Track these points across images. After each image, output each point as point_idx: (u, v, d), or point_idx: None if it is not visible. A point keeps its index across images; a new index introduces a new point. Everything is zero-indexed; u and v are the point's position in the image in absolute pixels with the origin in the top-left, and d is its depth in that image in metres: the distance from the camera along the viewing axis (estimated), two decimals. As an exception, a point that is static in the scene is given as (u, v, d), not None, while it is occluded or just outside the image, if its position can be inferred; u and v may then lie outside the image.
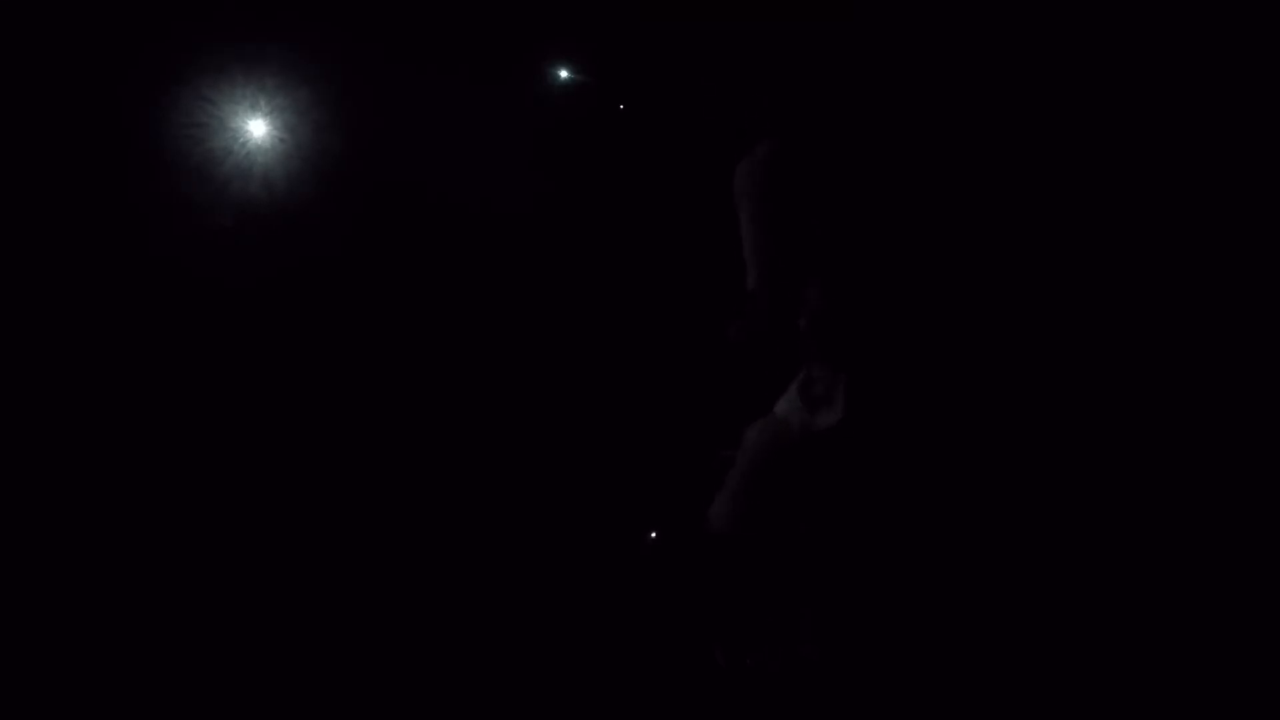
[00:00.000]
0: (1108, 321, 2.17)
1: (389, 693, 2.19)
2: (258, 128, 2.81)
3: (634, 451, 2.75)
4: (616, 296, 3.17)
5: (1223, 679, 1.81)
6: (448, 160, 3.10)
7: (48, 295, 2.61)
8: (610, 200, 3.26)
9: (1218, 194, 2.10)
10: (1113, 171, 2.21)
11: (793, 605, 1.53)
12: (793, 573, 1.53)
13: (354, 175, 2.95)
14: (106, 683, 2.13)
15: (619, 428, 2.89)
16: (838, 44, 2.54)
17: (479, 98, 3.14)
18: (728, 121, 2.93)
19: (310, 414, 2.88)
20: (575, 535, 2.61)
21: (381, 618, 2.39)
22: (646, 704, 2.02)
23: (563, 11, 3.20)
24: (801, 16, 2.65)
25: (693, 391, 2.74)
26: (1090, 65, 2.22)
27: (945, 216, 2.27)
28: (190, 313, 2.77)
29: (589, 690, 2.14)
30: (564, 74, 3.29)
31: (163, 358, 2.75)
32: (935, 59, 2.39)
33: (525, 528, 2.68)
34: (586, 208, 3.26)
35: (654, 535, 2.10)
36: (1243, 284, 2.07)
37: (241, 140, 2.79)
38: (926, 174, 2.31)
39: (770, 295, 1.62)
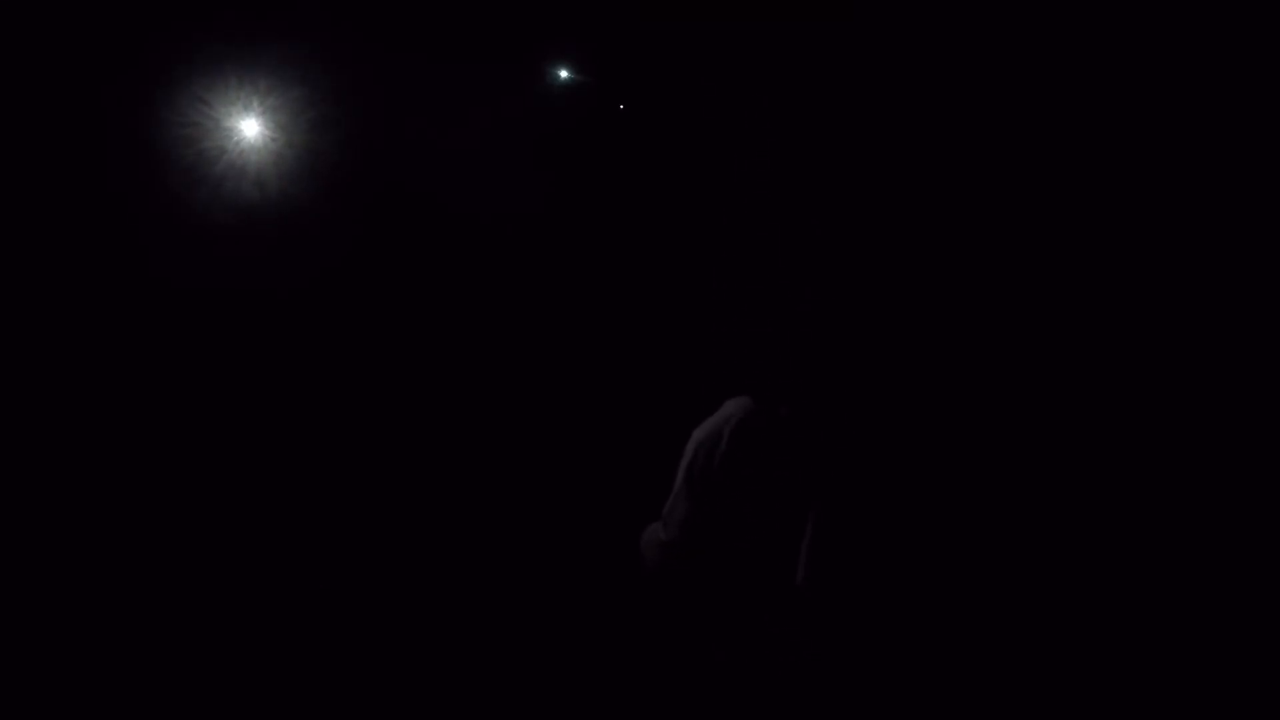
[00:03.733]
0: (1105, 322, 2.15)
1: (389, 693, 2.18)
2: (250, 127, 2.80)
3: (632, 450, 2.73)
4: (615, 295, 3.16)
5: (1222, 679, 1.80)
6: (443, 160, 3.10)
7: (40, 295, 2.61)
8: (610, 200, 3.26)
9: (1218, 194, 2.09)
10: (1112, 172, 2.20)
11: (784, 605, 1.52)
12: (767, 573, 1.51)
13: (347, 175, 2.95)
14: (106, 683, 2.13)
15: (617, 427, 2.88)
16: (838, 44, 2.53)
17: (476, 97, 3.13)
18: (728, 121, 2.93)
19: (307, 415, 2.87)
20: (584, 534, 2.60)
21: (381, 619, 2.38)
22: (646, 704, 2.01)
23: (563, 11, 3.19)
24: (801, 16, 2.65)
25: (691, 389, 2.72)
26: (1090, 65, 2.21)
27: (943, 217, 2.26)
28: (183, 312, 2.77)
29: (589, 690, 2.13)
30: (564, 74, 3.28)
31: (156, 358, 2.74)
32: (935, 59, 2.38)
33: (536, 525, 2.68)
34: (586, 207, 3.25)
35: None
36: (1243, 284, 2.05)
37: (234, 140, 2.79)
38: (925, 174, 2.30)
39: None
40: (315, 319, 2.95)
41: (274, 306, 2.87)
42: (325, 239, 2.93)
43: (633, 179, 3.25)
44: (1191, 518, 1.98)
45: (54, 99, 2.58)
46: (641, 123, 3.26)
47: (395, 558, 2.60)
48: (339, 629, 2.36)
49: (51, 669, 2.15)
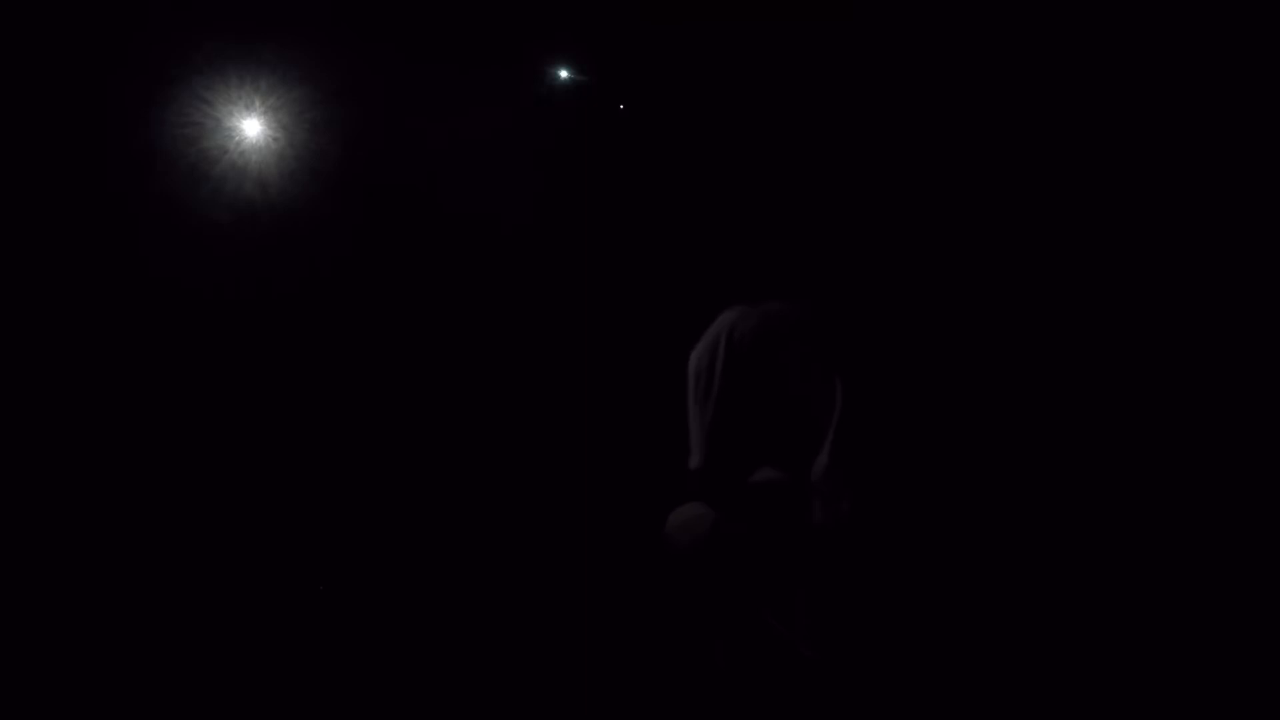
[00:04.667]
0: (1109, 326, 2.15)
1: (389, 693, 2.18)
2: (252, 127, 2.80)
3: (633, 451, 2.74)
4: (615, 296, 3.16)
5: (1222, 679, 1.80)
6: (444, 160, 3.09)
7: (38, 296, 2.60)
8: (610, 201, 3.25)
9: (1218, 194, 2.09)
10: (1113, 173, 2.20)
11: (787, 604, 1.51)
12: (779, 570, 1.49)
13: (349, 175, 2.95)
14: (106, 683, 2.13)
15: (618, 427, 2.88)
16: (838, 44, 2.53)
17: (477, 97, 3.13)
18: (728, 121, 2.93)
19: (309, 415, 2.87)
20: (578, 535, 2.60)
21: (381, 618, 2.38)
22: (645, 704, 2.01)
23: (563, 11, 3.19)
24: (801, 16, 2.65)
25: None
26: (1090, 66, 2.21)
27: (945, 219, 2.26)
28: (183, 314, 2.76)
29: (588, 690, 2.13)
30: (564, 74, 3.28)
31: (154, 360, 2.74)
32: (935, 59, 2.38)
33: (526, 529, 2.67)
34: (586, 208, 3.25)
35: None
36: (1243, 284, 2.06)
37: (236, 140, 2.79)
38: (926, 175, 2.30)
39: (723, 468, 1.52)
40: (317, 319, 2.94)
41: (276, 307, 2.87)
42: (327, 239, 2.93)
43: (633, 179, 3.25)
44: (1190, 516, 1.98)
45: (53, 97, 2.58)
46: (641, 123, 3.26)
47: (395, 557, 2.60)
48: (338, 628, 2.37)
49: (51, 669, 2.15)
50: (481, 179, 3.10)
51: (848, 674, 1.51)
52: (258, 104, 2.78)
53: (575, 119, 3.25)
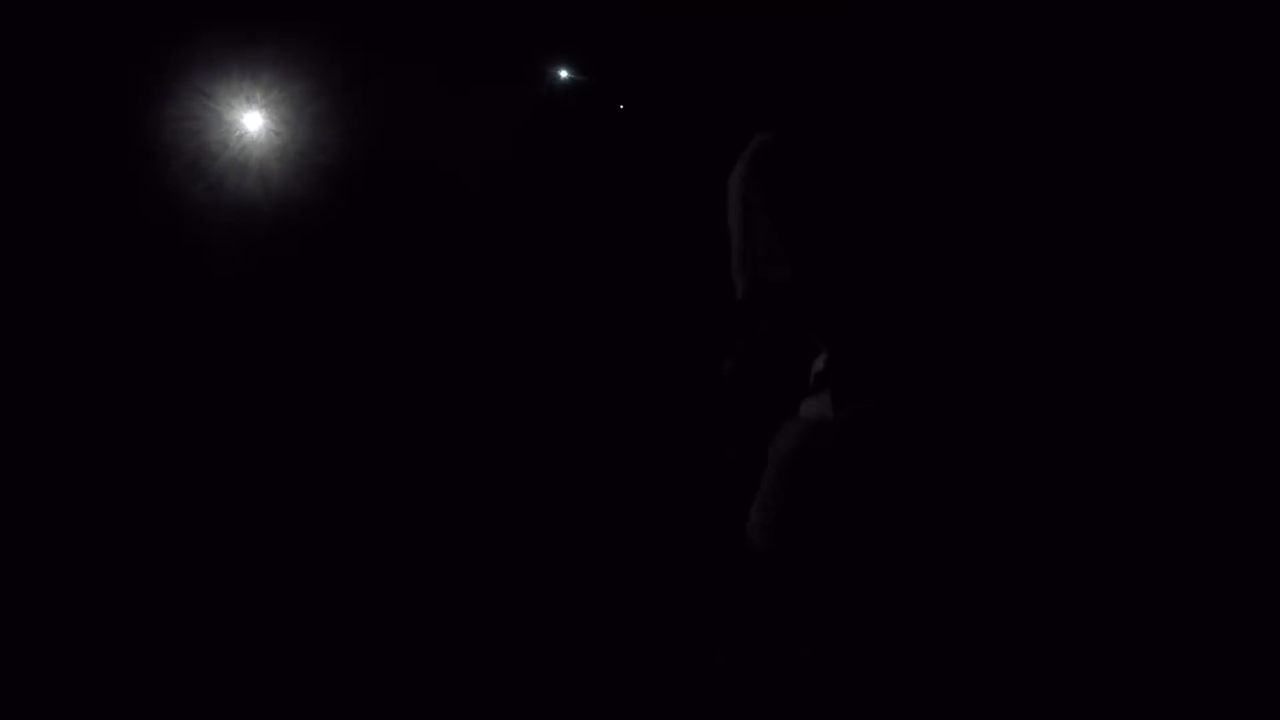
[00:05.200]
0: (1117, 323, 2.16)
1: (389, 693, 2.18)
2: (253, 121, 2.79)
3: (636, 452, 2.74)
4: (615, 295, 3.16)
5: (1222, 679, 1.80)
6: (445, 156, 3.10)
7: (34, 295, 2.60)
8: (609, 200, 3.26)
9: (1218, 194, 2.10)
10: (1115, 172, 2.21)
11: (792, 606, 1.51)
12: (804, 576, 1.48)
13: (350, 169, 2.94)
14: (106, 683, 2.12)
15: (618, 428, 2.88)
16: (838, 44, 2.54)
17: (477, 94, 3.14)
18: (727, 122, 2.93)
19: (308, 413, 2.86)
20: (578, 538, 2.60)
21: (380, 625, 2.37)
22: (645, 704, 2.01)
23: (563, 11, 3.20)
24: (801, 16, 2.65)
25: (690, 391, 2.73)
26: (1092, 65, 2.22)
27: (949, 217, 2.26)
28: (184, 310, 2.76)
29: (588, 690, 2.13)
30: (564, 74, 3.29)
31: (154, 358, 2.73)
32: (936, 59, 2.39)
33: (527, 534, 2.67)
34: (586, 207, 3.25)
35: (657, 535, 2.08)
36: (1243, 284, 2.06)
37: (237, 134, 2.78)
38: (929, 175, 2.30)
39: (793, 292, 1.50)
40: (321, 319, 2.94)
41: (278, 306, 2.87)
42: (330, 237, 2.93)
43: (633, 180, 3.26)
44: (1194, 516, 1.98)
45: (54, 92, 2.57)
46: (641, 123, 3.27)
47: (394, 568, 2.59)
48: (339, 627, 2.36)
49: (50, 670, 2.15)
50: (481, 176, 3.10)
51: (848, 675, 1.51)
52: (259, 98, 2.77)
53: (575, 118, 3.26)
